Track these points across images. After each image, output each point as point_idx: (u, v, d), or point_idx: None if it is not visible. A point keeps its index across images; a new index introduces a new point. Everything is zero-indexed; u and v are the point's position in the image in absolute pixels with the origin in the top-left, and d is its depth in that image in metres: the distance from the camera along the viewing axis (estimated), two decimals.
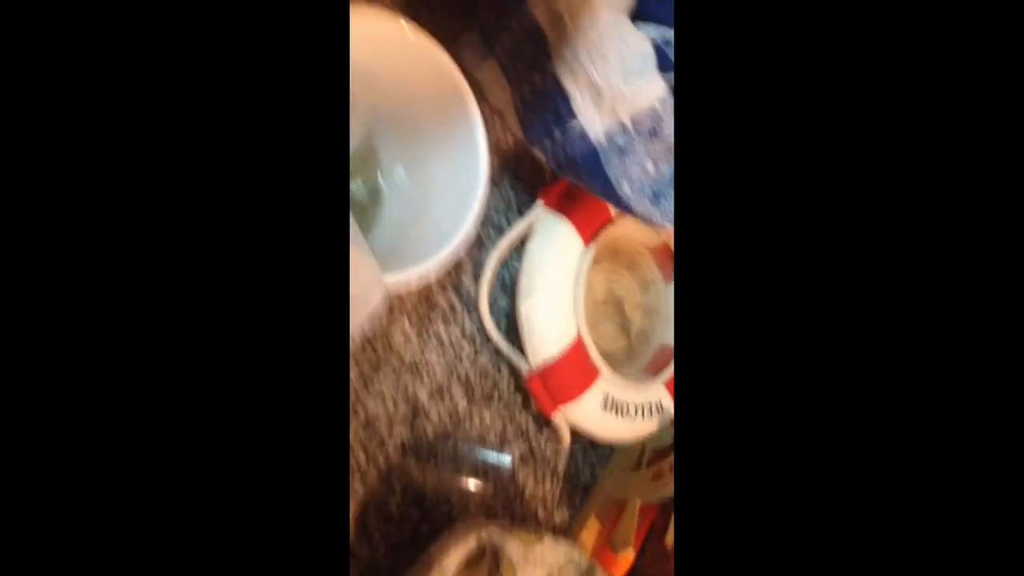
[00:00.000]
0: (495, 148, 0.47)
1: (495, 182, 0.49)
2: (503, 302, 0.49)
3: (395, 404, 0.45)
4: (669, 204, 0.40)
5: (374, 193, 0.44)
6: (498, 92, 0.42)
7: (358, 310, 0.29)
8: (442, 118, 0.40)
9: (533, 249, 0.46)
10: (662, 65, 0.38)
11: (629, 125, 0.38)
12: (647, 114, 0.38)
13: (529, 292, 0.45)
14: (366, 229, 0.42)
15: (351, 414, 0.43)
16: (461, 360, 0.47)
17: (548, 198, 0.47)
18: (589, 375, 0.46)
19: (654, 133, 0.38)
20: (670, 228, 0.42)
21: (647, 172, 0.39)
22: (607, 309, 0.52)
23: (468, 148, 0.39)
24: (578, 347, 0.45)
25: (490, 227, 0.49)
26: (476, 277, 0.48)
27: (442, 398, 0.46)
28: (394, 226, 0.41)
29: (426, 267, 0.35)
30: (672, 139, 0.38)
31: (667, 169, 0.39)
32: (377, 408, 0.44)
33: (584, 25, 0.37)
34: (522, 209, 0.50)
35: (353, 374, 0.43)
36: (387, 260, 0.32)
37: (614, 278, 0.53)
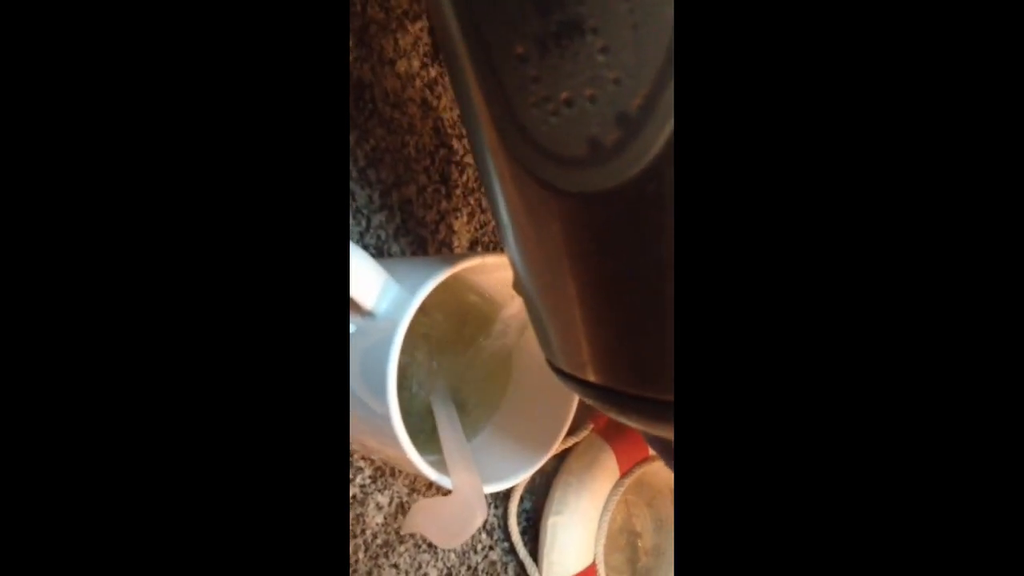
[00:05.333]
0: None
1: None
2: (528, 503, 0.51)
3: None
4: None
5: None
6: None
7: (460, 532, 0.30)
8: None
9: (575, 468, 0.49)
10: None
11: None
12: None
13: (560, 510, 0.47)
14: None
15: None
16: (476, 550, 0.49)
17: (598, 423, 0.50)
18: None
19: None
20: None
21: None
22: (619, 540, 0.54)
23: None
24: (590, 574, 0.47)
25: None
26: None
27: None
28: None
29: (512, 482, 0.36)
30: None
31: None
32: None
33: None
34: (573, 428, 0.52)
35: (379, 541, 0.44)
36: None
37: (634, 511, 0.55)
